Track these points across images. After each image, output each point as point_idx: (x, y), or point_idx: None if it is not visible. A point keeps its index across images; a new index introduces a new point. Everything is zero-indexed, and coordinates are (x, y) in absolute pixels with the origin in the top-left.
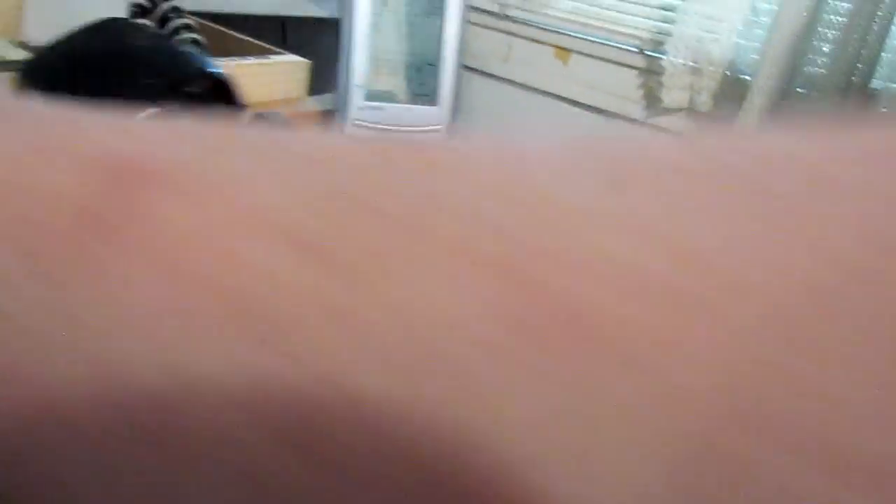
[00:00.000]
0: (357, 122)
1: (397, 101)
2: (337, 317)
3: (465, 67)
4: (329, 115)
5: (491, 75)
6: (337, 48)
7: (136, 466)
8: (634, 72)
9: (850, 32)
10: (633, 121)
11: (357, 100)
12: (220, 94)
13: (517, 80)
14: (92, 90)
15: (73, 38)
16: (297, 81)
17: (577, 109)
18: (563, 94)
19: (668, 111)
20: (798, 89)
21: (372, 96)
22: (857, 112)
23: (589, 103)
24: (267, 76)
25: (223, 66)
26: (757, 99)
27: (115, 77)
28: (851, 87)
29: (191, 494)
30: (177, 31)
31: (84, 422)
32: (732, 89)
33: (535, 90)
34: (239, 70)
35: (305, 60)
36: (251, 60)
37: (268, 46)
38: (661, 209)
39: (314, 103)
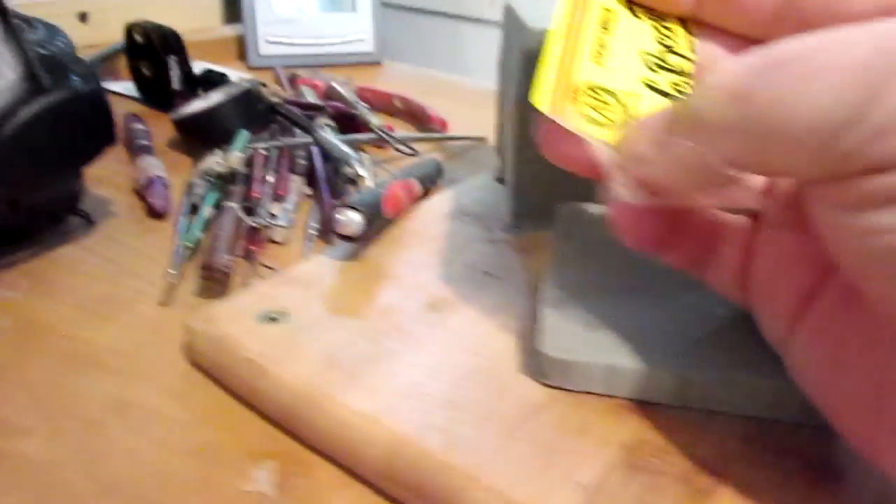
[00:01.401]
0: (269, 40)
1: (309, 12)
2: None
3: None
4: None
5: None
6: None
7: None
8: None
9: None
10: None
11: (265, 14)
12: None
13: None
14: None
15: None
16: (210, 8)
17: None
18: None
19: None
20: None
21: (279, 8)
22: None
23: None
24: (179, 4)
25: None
26: None
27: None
28: None
29: None
30: None
31: None
32: None
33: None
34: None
35: None
36: None
37: None
38: None
39: (231, 30)
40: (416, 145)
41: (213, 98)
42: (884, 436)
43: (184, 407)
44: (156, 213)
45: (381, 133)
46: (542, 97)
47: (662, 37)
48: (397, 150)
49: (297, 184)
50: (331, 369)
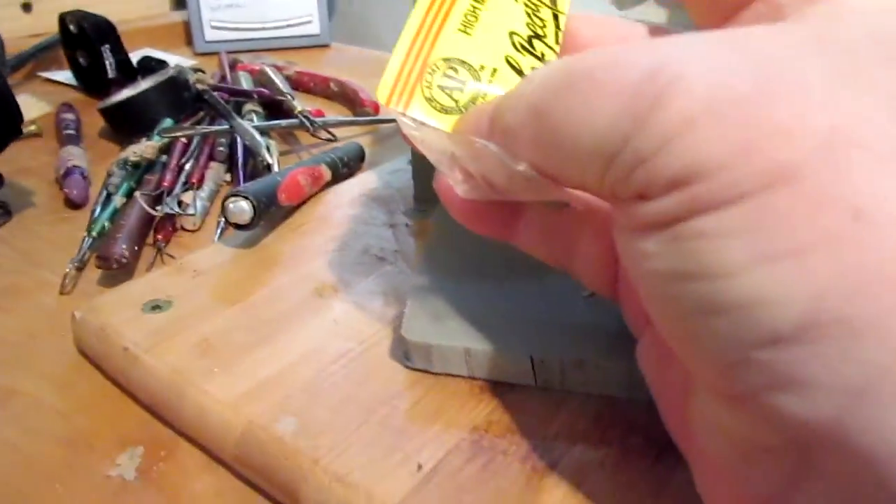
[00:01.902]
0: (214, 25)
1: None
2: None
3: None
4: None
5: None
6: None
7: None
8: None
9: None
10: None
11: (209, 0)
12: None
13: None
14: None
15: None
16: None
17: None
18: None
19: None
20: None
21: None
22: None
23: None
24: None
25: None
26: None
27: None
28: None
29: None
30: None
31: None
32: None
33: None
34: None
35: None
36: None
37: None
38: None
39: (179, 16)
40: (346, 129)
41: (140, 86)
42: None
43: (65, 396)
44: (73, 204)
45: (301, 118)
46: (384, 86)
47: (533, 23)
48: (314, 135)
49: (216, 171)
50: (203, 357)
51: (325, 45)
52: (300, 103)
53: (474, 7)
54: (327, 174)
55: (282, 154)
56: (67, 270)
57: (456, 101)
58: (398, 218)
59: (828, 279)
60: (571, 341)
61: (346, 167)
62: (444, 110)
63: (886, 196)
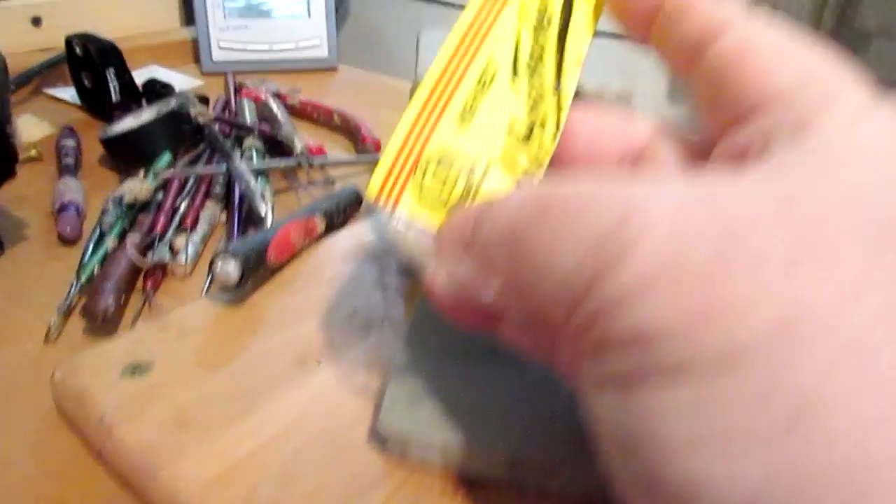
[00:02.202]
0: (222, 45)
1: (262, 17)
2: None
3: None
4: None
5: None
6: None
7: None
8: None
9: None
10: (615, 36)
11: (218, 20)
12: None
13: None
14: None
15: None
16: (168, 10)
17: None
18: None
19: None
20: None
21: (232, 13)
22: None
23: None
24: (136, 5)
25: None
26: None
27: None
28: None
29: None
30: None
31: None
32: None
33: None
34: (105, 2)
35: None
36: None
37: None
38: None
39: (188, 32)
40: (345, 167)
41: (143, 116)
42: None
43: (38, 458)
44: (66, 240)
45: (300, 160)
46: (374, 184)
47: (534, 112)
48: (310, 182)
49: (210, 210)
50: (178, 432)
51: (333, 68)
52: (300, 140)
53: (475, 96)
54: (321, 225)
55: (281, 192)
56: (53, 319)
57: (447, 196)
58: (389, 278)
59: (765, 476)
60: (550, 443)
61: (341, 215)
62: (434, 206)
63: (837, 393)
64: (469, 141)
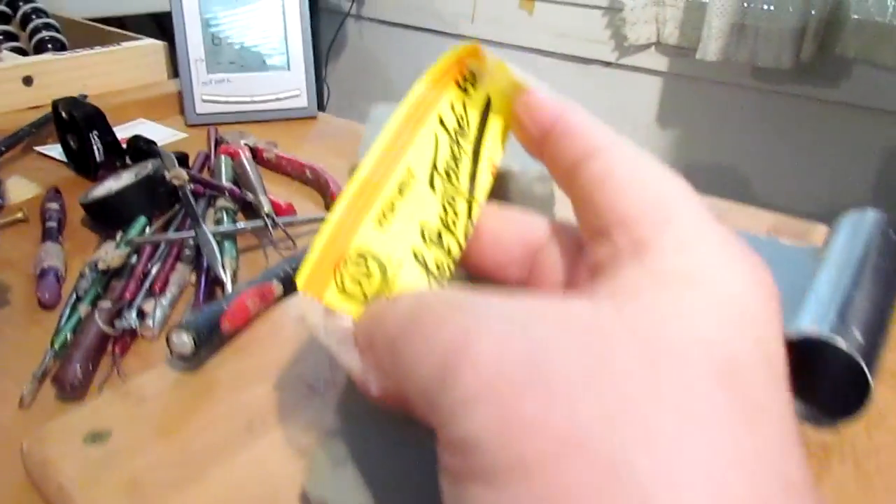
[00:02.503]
0: (205, 98)
1: (244, 71)
2: None
3: (432, 31)
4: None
5: (459, 35)
6: None
7: None
8: (599, 12)
9: None
10: (605, 63)
11: (201, 75)
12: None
13: (484, 38)
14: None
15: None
16: (155, 64)
17: (547, 59)
18: (532, 45)
19: (636, 48)
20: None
21: (214, 69)
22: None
23: (557, 51)
24: (124, 62)
25: (80, 55)
26: (716, 22)
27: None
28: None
29: None
30: (37, 29)
31: None
32: (696, 16)
33: (504, 45)
34: (97, 58)
35: (160, 43)
36: (109, 48)
37: (125, 33)
38: None
39: (174, 85)
40: (313, 224)
41: (122, 179)
42: None
43: None
44: (45, 305)
45: (266, 221)
46: (303, 274)
47: (447, 215)
48: (279, 240)
49: (180, 273)
50: (130, 497)
51: (313, 117)
52: (266, 202)
53: (393, 200)
54: (278, 290)
55: (249, 250)
56: (26, 386)
57: (365, 293)
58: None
59: None
60: None
61: None
62: (354, 301)
63: (590, 501)
64: (383, 243)
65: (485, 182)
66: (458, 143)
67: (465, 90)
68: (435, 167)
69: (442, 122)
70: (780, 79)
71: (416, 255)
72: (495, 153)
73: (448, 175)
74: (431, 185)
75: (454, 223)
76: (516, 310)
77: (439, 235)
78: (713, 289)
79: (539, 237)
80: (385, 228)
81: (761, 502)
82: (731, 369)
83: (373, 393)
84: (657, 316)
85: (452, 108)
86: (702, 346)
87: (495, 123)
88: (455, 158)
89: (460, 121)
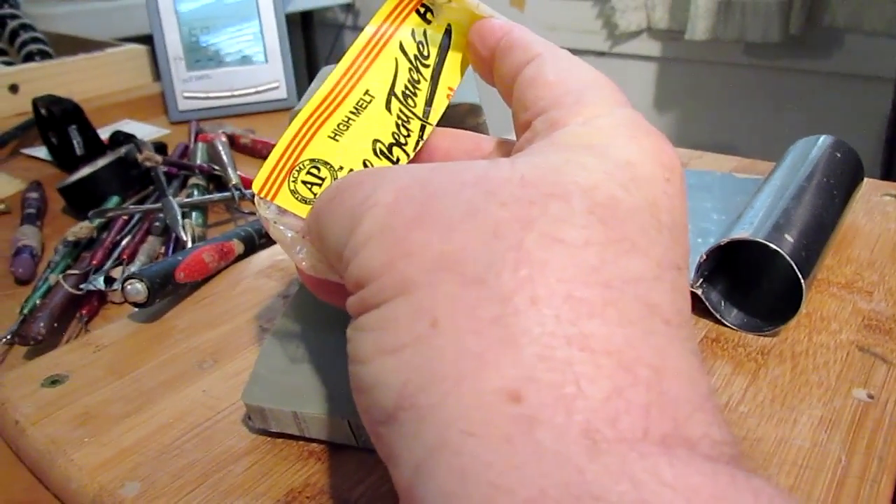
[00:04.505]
0: (186, 95)
1: (223, 66)
2: None
3: None
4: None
5: None
6: None
7: None
8: (589, 2)
9: None
10: (598, 53)
11: (181, 73)
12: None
13: None
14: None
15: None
16: (139, 69)
17: None
18: None
19: (628, 36)
20: None
21: (193, 66)
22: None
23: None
24: (108, 66)
25: (65, 62)
26: (702, 0)
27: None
28: None
29: None
30: (25, 42)
31: None
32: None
33: None
34: (81, 64)
35: (143, 47)
36: (93, 54)
37: (106, 41)
38: None
39: (157, 87)
40: None
41: (96, 164)
42: None
43: None
44: (20, 281)
45: (233, 190)
46: (259, 178)
47: (399, 133)
48: (237, 210)
49: (150, 245)
50: (79, 428)
51: (292, 108)
52: (235, 175)
53: (349, 117)
54: (239, 248)
55: (220, 223)
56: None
57: (314, 195)
58: (293, 287)
59: (410, 372)
60: None
61: (263, 238)
62: (304, 202)
63: (456, 309)
64: (336, 153)
65: (440, 105)
66: (417, 68)
67: (426, 19)
68: (392, 89)
69: (402, 49)
70: (771, 53)
71: (365, 165)
72: (453, 79)
73: (405, 97)
74: (388, 106)
75: (407, 139)
76: (422, 169)
77: (390, 148)
78: (607, 152)
79: (487, 153)
80: (339, 140)
81: (617, 314)
82: (611, 209)
83: (304, 272)
84: (547, 166)
85: (413, 35)
86: (584, 189)
87: (455, 51)
88: (414, 82)
89: (420, 47)
